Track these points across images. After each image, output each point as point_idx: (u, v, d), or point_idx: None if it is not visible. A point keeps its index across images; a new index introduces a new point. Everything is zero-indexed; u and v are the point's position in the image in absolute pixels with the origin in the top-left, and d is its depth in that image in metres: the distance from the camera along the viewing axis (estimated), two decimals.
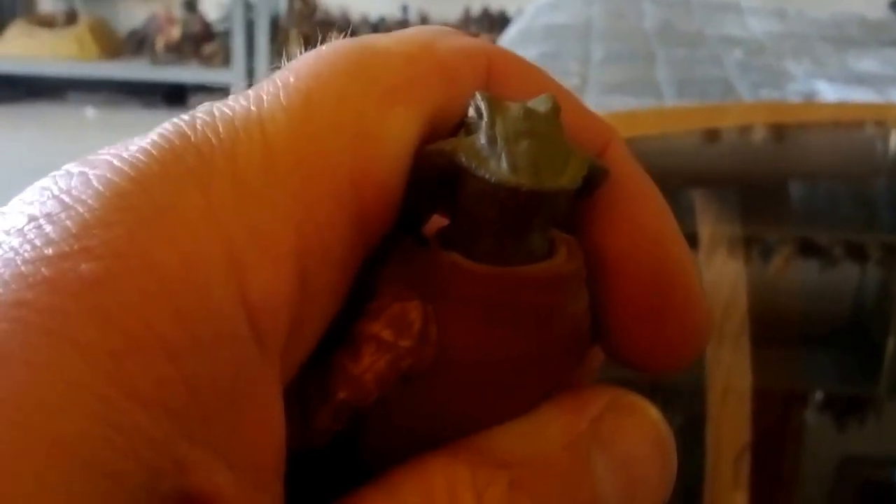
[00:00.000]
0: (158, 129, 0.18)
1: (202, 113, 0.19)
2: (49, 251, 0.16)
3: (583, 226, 0.21)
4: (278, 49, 4.27)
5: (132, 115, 4.32)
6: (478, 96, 0.19)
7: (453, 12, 4.49)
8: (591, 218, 0.21)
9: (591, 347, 0.21)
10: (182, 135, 0.18)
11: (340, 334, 0.19)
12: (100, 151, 0.18)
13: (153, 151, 0.18)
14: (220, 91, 4.27)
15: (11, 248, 0.16)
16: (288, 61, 0.20)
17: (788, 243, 0.99)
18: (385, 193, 0.19)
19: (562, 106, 0.20)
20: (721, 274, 0.93)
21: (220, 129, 0.18)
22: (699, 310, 0.21)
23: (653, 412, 0.21)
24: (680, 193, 1.03)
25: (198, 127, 0.18)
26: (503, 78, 0.21)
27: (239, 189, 0.17)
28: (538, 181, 0.18)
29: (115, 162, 0.17)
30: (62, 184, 0.17)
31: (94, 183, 0.17)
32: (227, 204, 0.17)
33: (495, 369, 0.19)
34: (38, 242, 0.16)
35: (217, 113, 0.19)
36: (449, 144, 0.19)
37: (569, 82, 1.79)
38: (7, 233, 0.16)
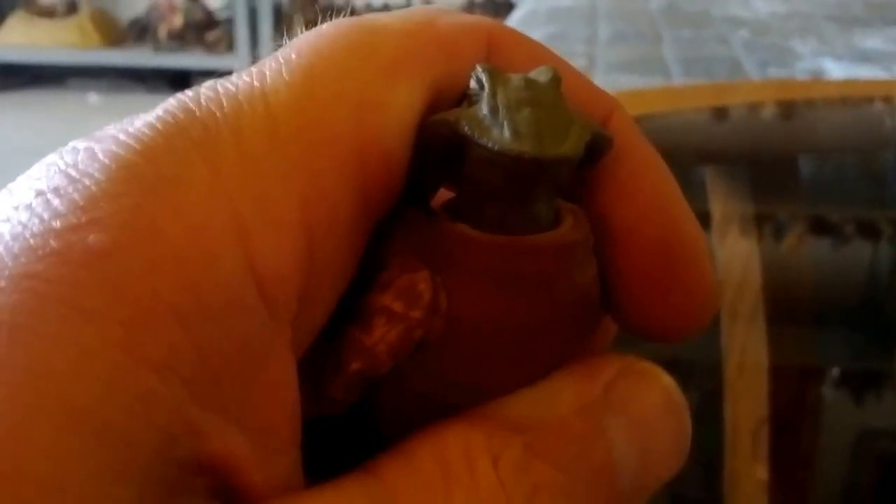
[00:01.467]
0: (163, 105, 0.19)
1: (206, 89, 0.19)
2: (57, 224, 0.16)
3: (589, 195, 0.21)
4: (282, 35, 4.27)
5: (136, 100, 4.32)
6: (479, 68, 0.19)
7: None
8: (597, 187, 0.21)
9: (603, 317, 0.22)
10: (187, 109, 0.18)
11: (353, 308, 0.20)
12: (105, 128, 0.19)
13: (158, 125, 0.18)
14: (226, 76, 4.28)
15: (20, 223, 0.16)
16: (290, 40, 0.21)
17: (801, 221, 0.99)
18: (389, 163, 0.19)
19: (563, 77, 0.20)
20: (734, 252, 0.93)
21: (224, 103, 0.19)
22: (707, 278, 0.21)
23: (665, 378, 0.21)
24: (690, 172, 1.03)
25: (202, 102, 0.19)
26: (504, 51, 0.21)
27: (244, 160, 0.18)
28: (541, 148, 0.18)
29: (121, 136, 0.18)
30: (68, 159, 0.18)
31: (101, 157, 0.17)
32: (232, 174, 0.18)
33: (504, 336, 0.19)
34: (45, 216, 0.16)
35: (221, 88, 0.19)
36: (452, 115, 0.19)
37: (575, 63, 1.78)
38: (15, 208, 0.17)
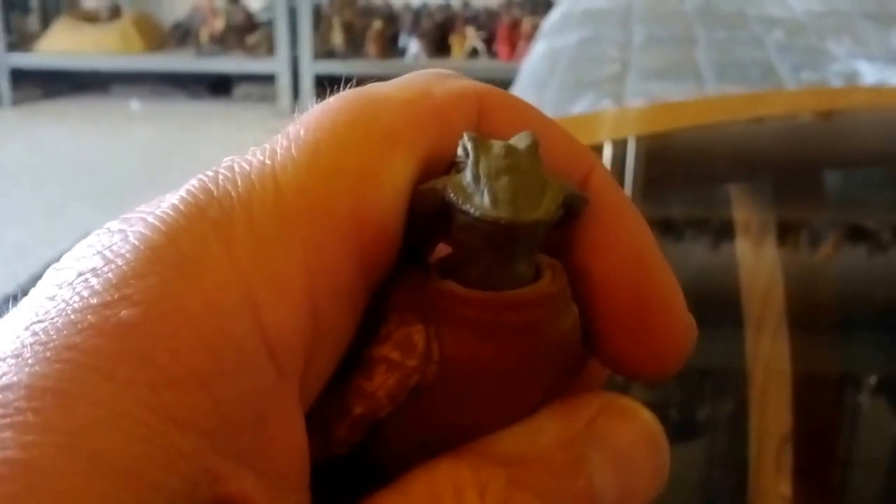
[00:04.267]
0: (187, 186, 0.21)
1: (224, 169, 0.21)
2: (94, 301, 0.19)
3: (569, 248, 0.23)
4: (321, 37, 4.29)
5: (178, 105, 4.38)
6: (465, 137, 0.21)
7: None
8: (576, 241, 0.23)
9: (590, 358, 0.24)
10: (205, 190, 0.21)
11: (357, 357, 0.22)
12: (136, 209, 0.21)
13: (181, 207, 0.20)
14: (265, 80, 4.29)
15: (63, 300, 0.19)
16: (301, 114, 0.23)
17: (836, 229, 0.99)
18: (385, 231, 0.21)
19: (545, 137, 0.22)
20: (758, 263, 0.93)
21: (239, 183, 0.21)
22: (679, 324, 0.23)
23: (645, 414, 0.23)
24: (718, 182, 1.03)
25: (219, 182, 0.21)
26: (492, 114, 0.23)
27: (255, 236, 0.20)
28: (516, 214, 0.20)
29: (149, 219, 0.20)
30: (104, 241, 0.20)
31: (131, 239, 0.20)
32: (244, 250, 0.20)
33: (492, 380, 0.21)
34: (84, 294, 0.19)
35: (236, 168, 0.21)
36: (440, 182, 0.21)
37: (609, 68, 1.78)
38: (60, 286, 0.19)
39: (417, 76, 0.24)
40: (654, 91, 1.60)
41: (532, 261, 0.21)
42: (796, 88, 1.62)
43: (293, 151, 0.21)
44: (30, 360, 0.18)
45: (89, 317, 0.18)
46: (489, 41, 4.28)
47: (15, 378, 0.18)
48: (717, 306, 0.86)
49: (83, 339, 0.18)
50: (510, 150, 0.21)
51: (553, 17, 2.41)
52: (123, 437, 0.17)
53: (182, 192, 0.21)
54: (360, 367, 0.21)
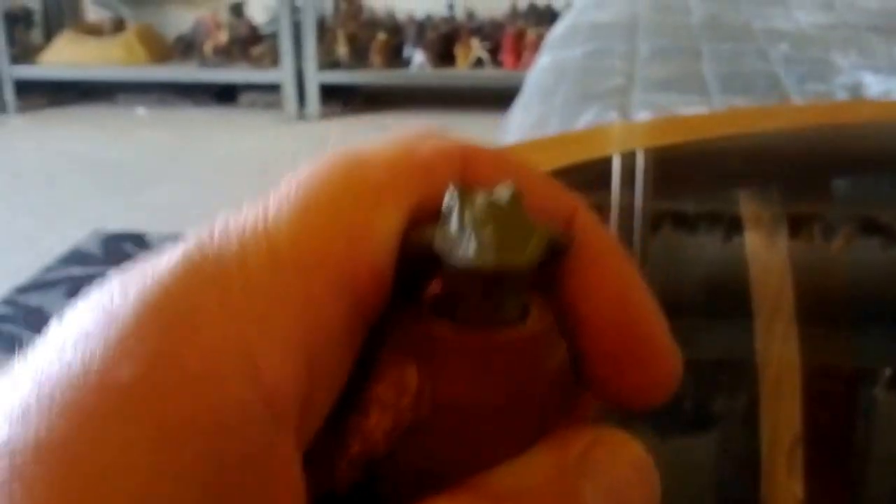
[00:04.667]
0: (183, 244, 0.22)
1: (220, 225, 0.22)
2: (96, 360, 0.19)
3: (558, 286, 0.24)
4: (326, 49, 4.29)
5: (183, 113, 4.40)
6: (450, 189, 0.22)
7: (500, 7, 4.50)
8: (563, 280, 0.24)
9: (581, 391, 0.25)
10: (201, 247, 0.21)
11: (353, 395, 0.23)
12: (136, 264, 0.22)
13: (178, 264, 0.21)
14: (270, 89, 4.30)
15: (66, 360, 0.20)
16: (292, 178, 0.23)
17: (849, 222, 1.00)
18: (377, 278, 0.22)
19: (528, 185, 0.23)
20: (769, 257, 0.93)
21: (234, 240, 0.21)
22: (664, 358, 0.24)
23: (635, 446, 0.23)
24: (727, 186, 1.03)
25: (215, 239, 0.22)
26: (477, 168, 0.24)
27: (250, 291, 0.21)
28: (500, 260, 0.21)
29: (147, 278, 0.21)
30: (106, 299, 0.21)
31: (131, 297, 0.20)
32: (239, 304, 0.20)
33: (483, 417, 0.22)
34: (86, 353, 0.20)
35: (231, 225, 0.22)
36: (429, 232, 0.22)
37: (615, 81, 1.78)
38: (63, 344, 0.20)
39: (402, 137, 0.25)
40: (660, 103, 1.60)
41: (520, 301, 0.22)
42: (802, 101, 1.62)
43: (285, 209, 0.22)
44: (34, 419, 0.19)
45: (91, 376, 0.19)
46: (494, 51, 4.29)
47: (22, 440, 0.19)
48: (734, 298, 0.86)
49: (86, 397, 0.19)
50: (493, 201, 0.22)
51: (558, 29, 2.41)
52: (126, 488, 0.18)
53: (179, 249, 0.21)
54: (356, 406, 0.22)
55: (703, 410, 0.79)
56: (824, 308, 0.88)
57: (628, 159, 1.04)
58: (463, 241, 0.21)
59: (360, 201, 0.22)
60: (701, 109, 1.60)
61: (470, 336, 0.22)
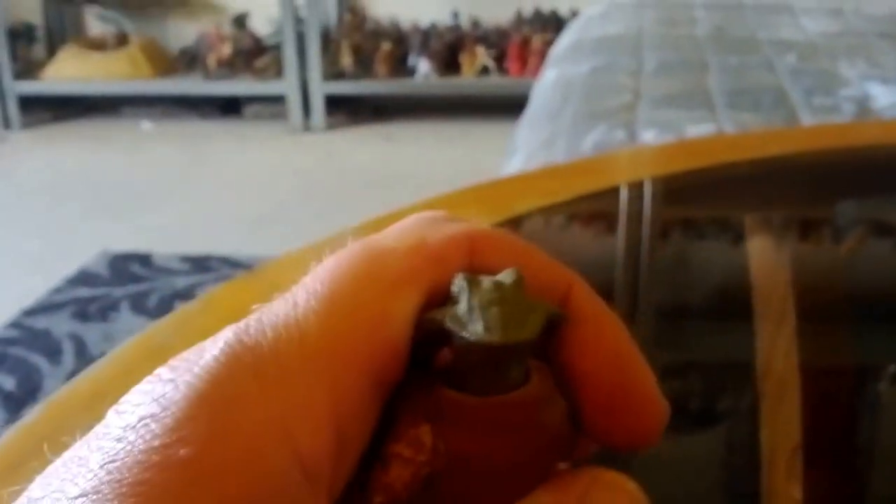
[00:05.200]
0: (224, 338, 0.25)
1: (255, 320, 0.25)
2: (156, 443, 0.22)
3: (557, 351, 0.27)
4: (330, 59, 4.28)
5: (189, 126, 4.39)
6: (459, 276, 0.26)
7: (505, 14, 4.49)
8: (562, 345, 0.27)
9: (580, 440, 0.28)
10: (240, 340, 0.24)
11: (376, 454, 0.26)
12: (183, 357, 0.25)
13: (221, 357, 0.24)
14: (276, 99, 4.30)
15: (129, 442, 0.23)
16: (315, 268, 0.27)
17: (860, 224, 1.00)
18: (395, 359, 0.25)
19: (529, 264, 0.27)
20: (771, 267, 0.93)
21: (268, 333, 0.25)
22: (653, 406, 0.28)
23: (629, 484, 0.26)
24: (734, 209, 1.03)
25: (251, 332, 0.25)
26: (484, 252, 0.28)
27: (285, 378, 0.24)
28: (505, 337, 0.24)
29: (195, 369, 0.24)
30: (158, 389, 0.24)
31: (181, 388, 0.23)
32: (277, 390, 0.24)
33: (492, 470, 0.25)
34: (147, 437, 0.23)
35: (264, 319, 0.25)
36: (440, 314, 0.25)
37: (621, 98, 1.77)
38: (124, 429, 0.23)
39: (413, 224, 0.28)
40: (667, 120, 1.60)
41: (522, 368, 0.26)
42: (809, 116, 1.61)
43: (313, 302, 0.25)
44: (109, 496, 0.22)
45: (153, 456, 0.22)
46: (499, 59, 4.28)
47: None
48: (742, 299, 0.88)
49: (151, 475, 0.22)
50: (498, 285, 0.25)
51: (564, 42, 2.40)
52: None
53: (220, 342, 0.24)
54: (379, 462, 0.25)
55: (708, 410, 0.80)
56: (831, 309, 0.88)
57: (636, 188, 1.04)
58: (471, 321, 0.25)
59: (380, 293, 0.26)
60: (708, 126, 1.60)
61: (478, 401, 0.25)
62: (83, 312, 2.62)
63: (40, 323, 2.58)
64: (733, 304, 0.89)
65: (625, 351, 0.28)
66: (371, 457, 0.25)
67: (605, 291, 0.29)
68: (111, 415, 0.24)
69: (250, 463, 0.23)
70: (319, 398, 0.24)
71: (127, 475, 0.22)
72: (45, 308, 2.65)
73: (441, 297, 0.26)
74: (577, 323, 0.27)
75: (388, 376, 0.25)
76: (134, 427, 0.23)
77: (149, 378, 0.24)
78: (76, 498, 0.22)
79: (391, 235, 0.28)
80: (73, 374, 2.25)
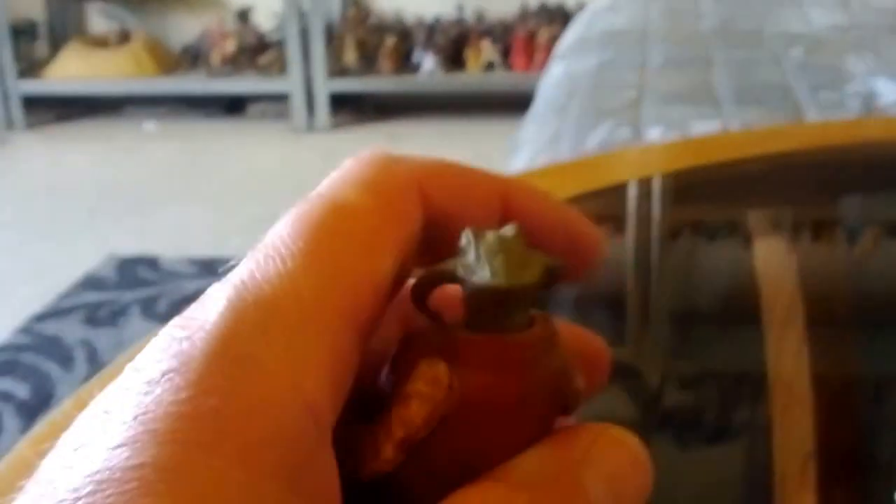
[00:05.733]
0: (223, 293, 0.26)
1: (248, 277, 0.27)
2: (182, 395, 0.24)
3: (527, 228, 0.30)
4: (334, 55, 4.27)
5: (193, 125, 4.39)
6: (467, 231, 0.28)
7: (510, 8, 4.47)
8: (528, 222, 0.30)
9: (581, 398, 0.29)
10: (242, 298, 0.26)
11: (395, 394, 0.28)
12: (189, 315, 0.26)
13: (227, 314, 0.26)
14: (280, 97, 4.28)
15: (157, 395, 0.24)
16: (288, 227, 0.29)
17: (873, 226, 1.00)
18: (376, 308, 0.28)
19: (468, 183, 0.31)
20: (778, 272, 0.93)
21: (266, 289, 0.26)
22: (590, 242, 0.32)
23: (632, 440, 0.28)
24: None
25: (250, 289, 0.26)
26: (431, 189, 0.30)
27: (287, 332, 0.26)
28: (509, 281, 0.27)
29: (207, 326, 0.26)
30: (175, 347, 0.25)
31: (198, 343, 0.25)
32: (281, 344, 0.25)
33: (501, 406, 0.27)
34: (173, 390, 0.24)
35: (259, 276, 0.27)
36: (450, 264, 0.28)
37: (626, 94, 1.76)
38: (149, 383, 0.25)
39: (362, 170, 0.30)
40: (672, 117, 1.58)
41: (526, 314, 0.28)
42: (815, 112, 1.60)
43: (300, 259, 0.27)
44: (148, 445, 0.23)
45: (183, 407, 0.24)
46: (505, 53, 4.26)
47: (139, 459, 0.23)
48: (749, 303, 0.88)
49: (181, 424, 0.23)
50: (501, 238, 0.28)
51: (569, 37, 2.39)
52: (229, 494, 0.23)
53: (221, 299, 0.26)
54: (398, 400, 0.27)
55: (723, 421, 0.79)
56: (844, 313, 0.88)
57: (644, 185, 1.03)
58: (479, 268, 0.27)
59: (359, 252, 0.28)
60: (713, 123, 1.58)
61: (488, 338, 0.28)
62: (93, 318, 2.63)
63: (50, 328, 2.58)
64: (741, 308, 0.88)
65: (566, 215, 0.32)
66: (392, 397, 0.28)
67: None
68: (129, 372, 0.26)
69: (269, 413, 0.24)
70: (318, 352, 0.26)
71: (161, 426, 0.23)
72: (54, 313, 2.65)
73: (408, 244, 0.29)
74: (521, 212, 0.31)
75: (372, 323, 0.28)
76: (158, 381, 0.25)
77: (160, 335, 0.26)
78: (115, 448, 0.23)
79: (347, 183, 0.30)
80: (85, 380, 2.26)
